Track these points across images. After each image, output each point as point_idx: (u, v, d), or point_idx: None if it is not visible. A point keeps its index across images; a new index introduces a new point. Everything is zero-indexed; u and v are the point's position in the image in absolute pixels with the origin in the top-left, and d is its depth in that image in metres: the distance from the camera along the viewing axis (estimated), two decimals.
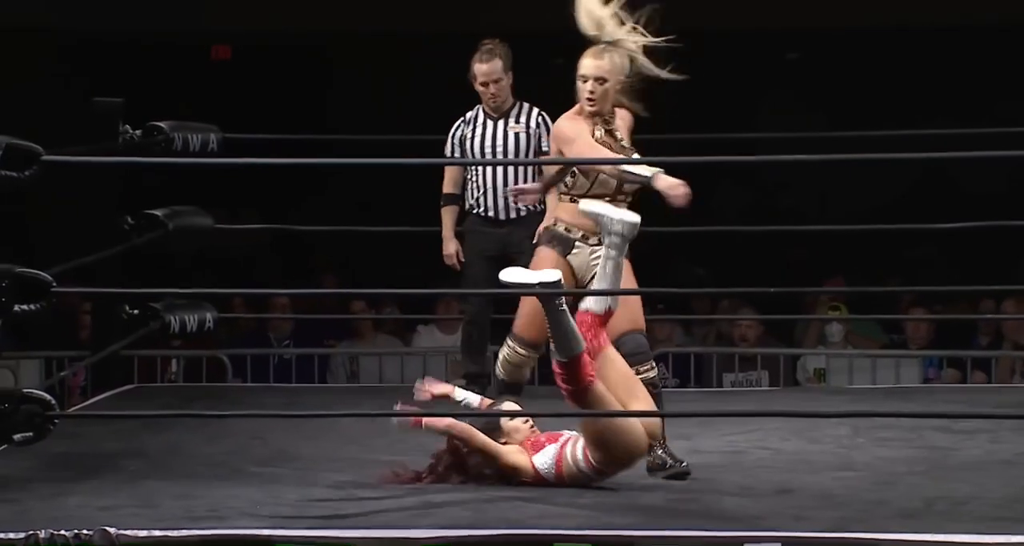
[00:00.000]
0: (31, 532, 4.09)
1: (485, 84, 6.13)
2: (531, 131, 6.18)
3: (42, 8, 10.37)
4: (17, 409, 4.07)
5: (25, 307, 4.08)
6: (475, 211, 6.24)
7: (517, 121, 6.20)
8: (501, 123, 6.19)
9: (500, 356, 5.17)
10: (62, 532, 4.09)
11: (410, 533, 4.16)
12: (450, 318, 8.38)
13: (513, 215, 6.18)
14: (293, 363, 8.11)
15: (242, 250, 10.09)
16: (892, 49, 10.48)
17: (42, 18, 10.40)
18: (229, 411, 5.94)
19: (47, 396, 4.17)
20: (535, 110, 6.21)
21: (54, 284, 4.13)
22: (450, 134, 6.27)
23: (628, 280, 4.96)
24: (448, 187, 6.27)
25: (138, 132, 6.41)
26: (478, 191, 6.21)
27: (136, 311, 6.22)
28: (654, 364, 5.03)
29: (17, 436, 4.10)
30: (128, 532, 4.11)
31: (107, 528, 4.11)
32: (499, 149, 6.15)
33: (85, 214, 6.81)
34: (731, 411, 6.21)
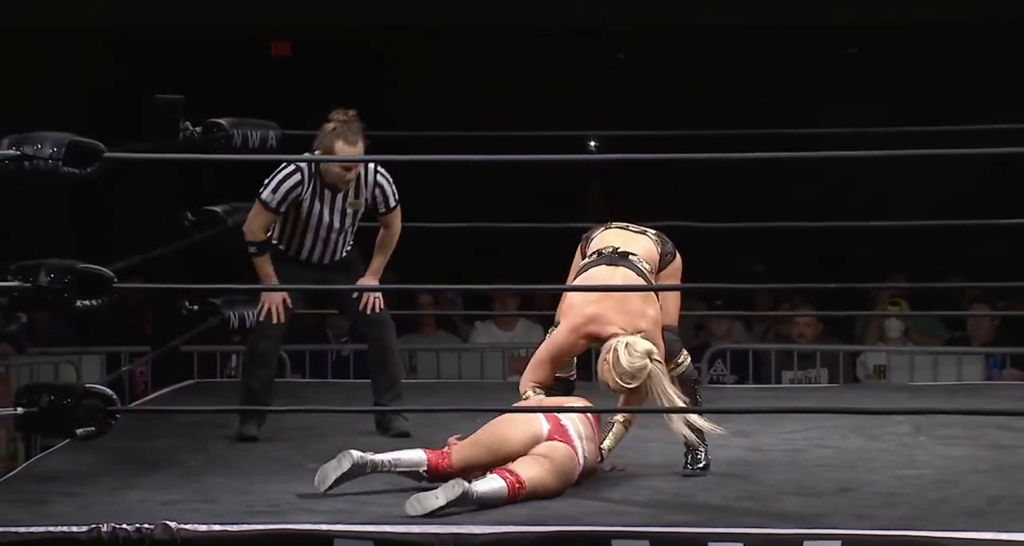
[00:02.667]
0: (93, 526, 4.13)
1: (347, 168, 5.49)
2: (367, 204, 5.60)
3: (104, 6, 10.45)
4: (79, 404, 4.09)
5: (87, 303, 4.11)
6: (288, 253, 5.65)
7: (357, 196, 5.57)
8: (340, 198, 5.57)
9: None
10: (124, 526, 4.12)
11: (468, 529, 4.16)
12: (508, 314, 8.37)
13: (328, 261, 5.65)
14: (351, 359, 8.13)
15: None
16: (952, 43, 10.40)
17: (103, 16, 10.49)
18: (288, 406, 5.97)
19: (108, 391, 4.19)
20: (371, 175, 5.58)
21: (115, 280, 4.15)
22: (283, 186, 5.50)
23: (668, 273, 4.94)
24: (260, 234, 5.57)
25: (198, 129, 6.44)
26: (296, 241, 5.62)
27: (195, 307, 6.26)
28: (680, 362, 4.93)
29: (79, 431, 4.12)
30: (189, 526, 4.14)
31: (168, 522, 4.13)
32: (335, 227, 5.57)
33: (147, 210, 6.86)
34: (791, 408, 6.17)
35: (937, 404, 6.27)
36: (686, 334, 8.83)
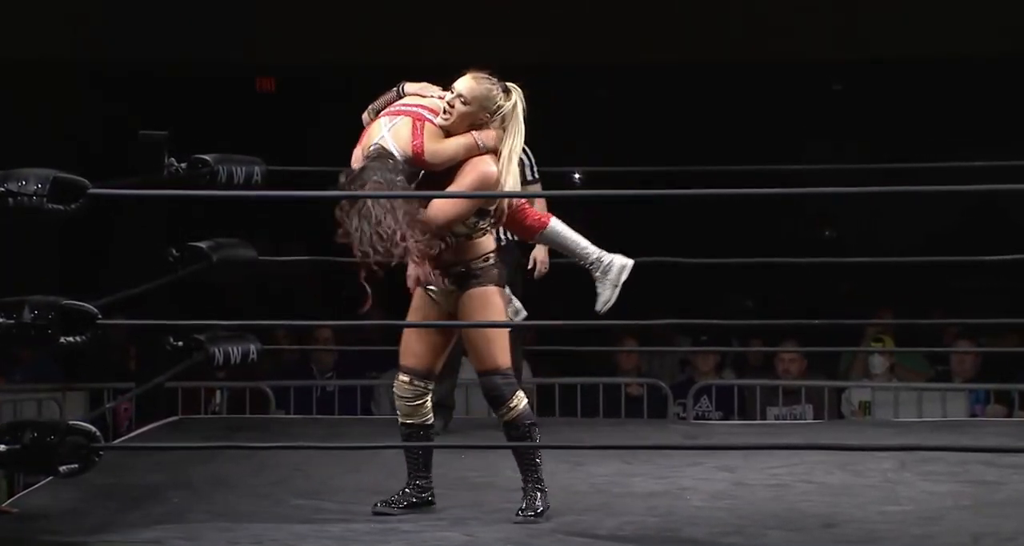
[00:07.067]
0: None
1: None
2: None
3: (88, 41, 10.47)
4: (62, 441, 4.08)
5: (71, 339, 4.10)
6: None
7: None
8: None
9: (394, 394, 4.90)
10: None
11: None
12: None
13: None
14: (336, 395, 8.11)
15: (286, 282, 10.12)
16: (938, 80, 10.45)
17: (88, 51, 10.50)
18: (272, 443, 5.95)
19: (92, 428, 4.18)
20: None
21: (99, 316, 4.14)
22: None
23: (498, 314, 4.83)
24: None
25: (183, 165, 6.44)
26: None
27: (180, 343, 6.24)
28: (513, 405, 4.70)
29: (63, 468, 4.11)
30: None
31: None
32: None
33: (132, 247, 6.86)
34: (776, 444, 6.16)
35: (921, 440, 6.27)
36: (671, 370, 8.87)
